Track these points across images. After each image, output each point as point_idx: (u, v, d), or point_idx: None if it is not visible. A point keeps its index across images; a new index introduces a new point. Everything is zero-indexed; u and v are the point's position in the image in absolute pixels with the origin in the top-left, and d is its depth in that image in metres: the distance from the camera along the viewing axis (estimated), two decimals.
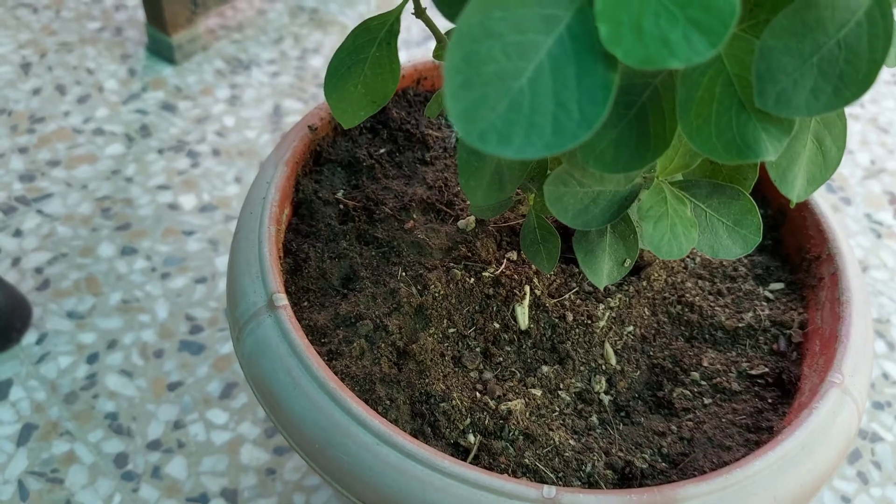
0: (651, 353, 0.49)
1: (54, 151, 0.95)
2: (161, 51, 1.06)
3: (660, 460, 0.44)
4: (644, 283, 0.51)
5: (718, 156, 0.28)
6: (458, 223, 0.52)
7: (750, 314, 0.50)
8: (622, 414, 0.47)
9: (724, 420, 0.46)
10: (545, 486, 0.37)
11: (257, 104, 1.02)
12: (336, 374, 0.44)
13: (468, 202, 0.52)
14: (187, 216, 0.89)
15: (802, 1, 0.28)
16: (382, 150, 0.55)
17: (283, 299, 0.43)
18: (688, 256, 0.53)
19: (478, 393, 0.45)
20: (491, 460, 0.42)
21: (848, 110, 1.11)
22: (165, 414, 0.73)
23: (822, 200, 0.52)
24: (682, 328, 0.50)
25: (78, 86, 1.03)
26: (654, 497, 0.37)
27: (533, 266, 0.50)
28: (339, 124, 0.55)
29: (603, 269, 0.40)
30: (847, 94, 0.27)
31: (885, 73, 1.17)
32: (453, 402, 0.44)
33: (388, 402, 0.43)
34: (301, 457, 0.41)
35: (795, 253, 0.53)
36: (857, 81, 0.27)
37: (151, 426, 0.73)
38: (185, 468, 0.70)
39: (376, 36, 0.36)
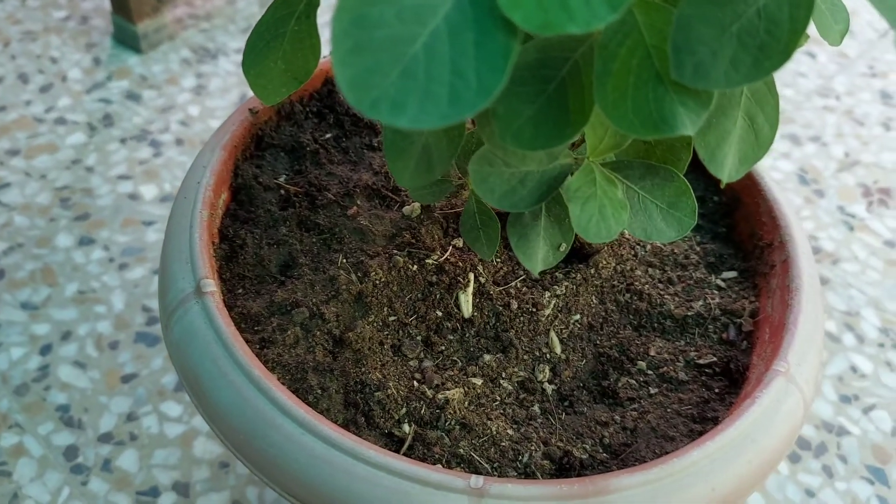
0: (597, 342, 0.48)
1: (14, 140, 0.93)
2: (127, 40, 1.04)
3: (601, 451, 0.43)
4: (592, 271, 0.50)
5: (635, 130, 0.27)
6: (403, 209, 0.50)
7: (700, 303, 0.49)
8: (565, 404, 0.46)
9: (669, 410, 0.44)
10: (473, 477, 0.36)
11: (223, 93, 1.00)
12: (267, 362, 0.42)
13: None
14: (147, 206, 0.87)
15: None
16: (328, 135, 0.54)
17: (211, 285, 0.42)
18: (637, 244, 0.51)
19: (415, 382, 0.44)
20: (425, 450, 0.41)
21: (823, 102, 1.10)
22: (118, 406, 0.72)
23: (777, 186, 0.51)
24: (631, 317, 0.49)
25: (41, 75, 1.01)
26: (586, 487, 0.36)
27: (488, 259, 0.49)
28: (281, 108, 0.53)
29: (537, 254, 0.38)
30: (767, 65, 0.26)
31: (862, 66, 1.16)
32: (389, 391, 0.43)
33: (319, 391, 0.42)
34: (229, 449, 0.40)
35: (748, 240, 0.52)
36: (778, 52, 0.26)
37: (103, 418, 0.71)
38: (136, 461, 0.69)
39: (295, 10, 0.35)
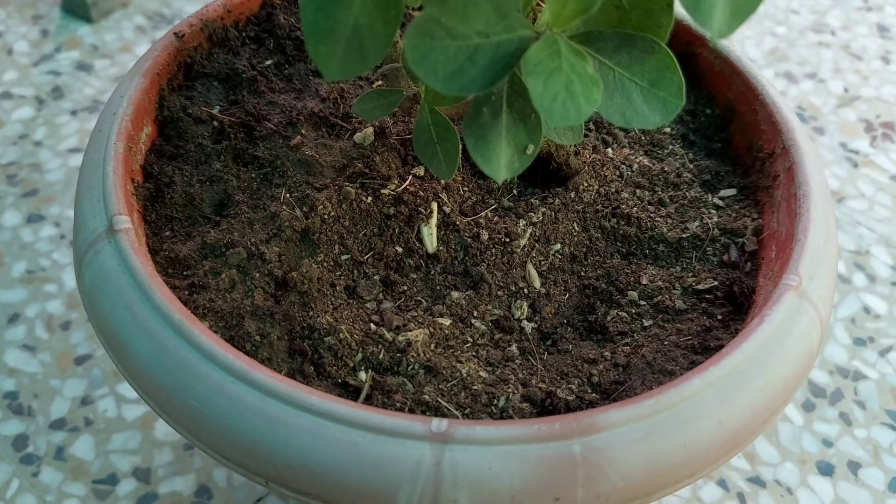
0: (582, 274, 0.42)
1: None
2: (76, 9, 0.98)
3: (589, 390, 0.37)
4: (572, 195, 0.44)
5: None
6: (355, 137, 0.44)
7: (696, 223, 0.43)
8: (547, 342, 0.40)
9: (666, 343, 0.39)
10: (434, 420, 0.30)
11: None
12: (197, 309, 0.36)
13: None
14: None
15: None
16: (269, 62, 0.48)
17: (125, 222, 0.36)
18: (623, 163, 0.45)
19: (372, 325, 0.38)
20: (385, 399, 0.35)
21: (817, 38, 1.04)
22: (71, 390, 0.66)
23: (775, 90, 0.45)
24: (618, 244, 0.43)
25: None
26: (569, 425, 0.30)
27: (442, 181, 0.43)
28: (213, 33, 0.47)
29: (499, 158, 0.32)
30: None
31: (856, 0, 1.10)
32: (341, 335, 0.37)
33: (258, 338, 0.36)
34: (153, 409, 0.34)
35: (746, 153, 0.46)
36: None
37: (55, 404, 0.65)
38: (92, 447, 0.63)
39: None
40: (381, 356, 0.37)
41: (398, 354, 0.37)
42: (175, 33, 0.45)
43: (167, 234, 0.40)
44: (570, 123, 0.28)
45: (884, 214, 0.84)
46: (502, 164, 0.33)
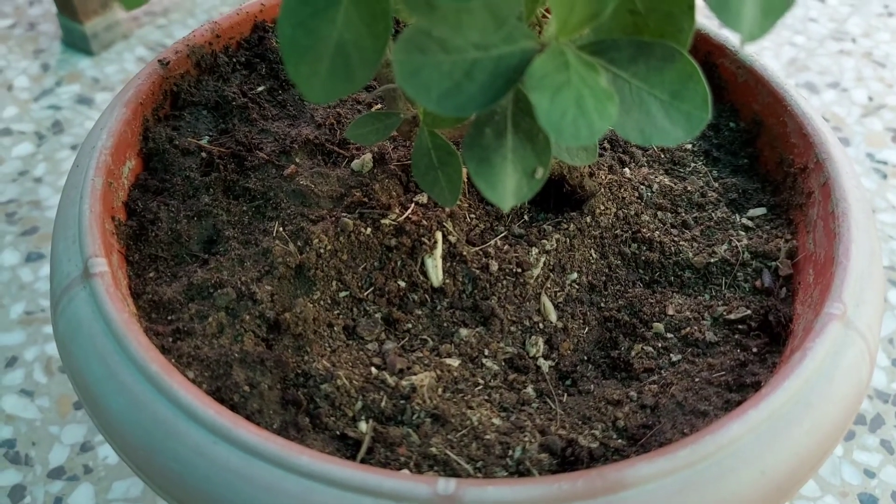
0: (602, 305, 0.39)
1: None
2: (76, 42, 0.97)
3: (614, 436, 0.33)
4: (588, 220, 0.40)
5: None
6: (353, 164, 0.41)
7: (724, 247, 0.40)
8: (567, 382, 0.37)
9: (697, 380, 0.35)
10: (441, 480, 0.27)
11: None
12: (180, 357, 0.33)
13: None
14: None
15: None
16: (261, 88, 0.45)
17: (100, 265, 0.33)
18: (642, 184, 0.42)
19: (374, 368, 0.35)
20: (388, 452, 0.32)
21: (838, 46, 1.01)
22: (70, 436, 0.63)
23: (805, 101, 0.42)
24: (640, 271, 0.40)
25: None
26: (594, 482, 0.27)
27: (447, 208, 0.40)
28: (201, 59, 0.45)
29: (505, 183, 0.29)
30: None
31: (877, 6, 1.07)
32: (339, 382, 0.34)
33: (247, 388, 0.33)
34: (133, 471, 0.31)
35: (776, 168, 0.42)
36: None
37: (54, 451, 0.62)
38: (92, 497, 0.60)
39: None
40: (383, 404, 0.33)
41: (402, 401, 0.33)
42: (160, 61, 0.43)
43: (151, 275, 0.37)
44: (582, 143, 0.25)
45: None
46: (508, 190, 0.29)
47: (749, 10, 0.23)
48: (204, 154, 0.41)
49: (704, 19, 0.47)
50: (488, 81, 0.26)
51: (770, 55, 0.99)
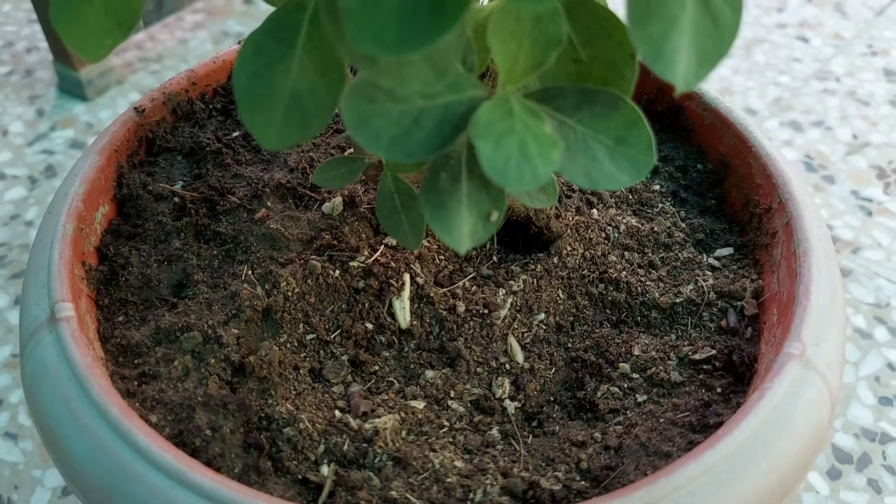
0: (569, 345, 0.39)
1: None
2: (71, 88, 0.98)
3: (577, 478, 0.33)
4: (555, 260, 0.41)
5: None
6: (323, 207, 0.42)
7: (690, 287, 0.40)
8: (532, 423, 0.37)
9: (662, 420, 0.35)
10: None
11: None
12: (145, 401, 0.34)
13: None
14: None
15: None
16: (236, 134, 0.46)
17: (67, 309, 0.33)
18: (609, 225, 0.43)
19: (338, 411, 0.35)
20: (349, 497, 0.32)
21: (822, 85, 1.02)
22: (53, 480, 0.63)
23: (770, 142, 0.42)
24: (607, 311, 0.40)
25: None
26: None
27: (415, 250, 0.40)
28: (177, 106, 0.46)
29: (461, 227, 0.30)
30: None
31: (860, 46, 1.08)
32: (302, 425, 0.34)
33: (209, 431, 0.33)
34: None
35: (743, 209, 0.43)
36: None
37: (36, 495, 0.62)
38: None
39: None
40: (345, 447, 0.34)
41: (364, 444, 0.34)
42: (135, 108, 0.44)
43: (120, 318, 0.38)
44: (526, 187, 0.25)
45: None
46: (464, 233, 0.30)
47: (683, 58, 0.24)
48: (177, 199, 0.42)
49: None
50: (436, 128, 0.26)
51: (755, 95, 1.00)
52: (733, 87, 1.01)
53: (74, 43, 0.28)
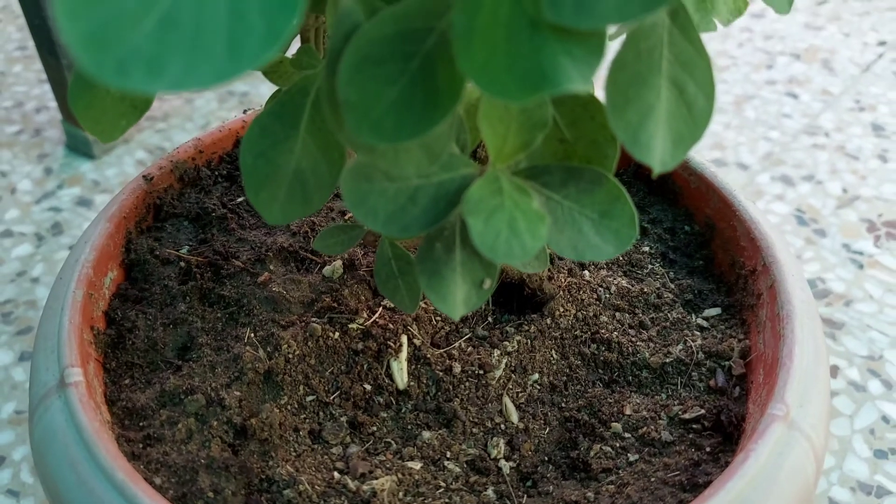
0: (562, 405, 0.40)
1: None
2: (79, 147, 1.01)
3: None
4: (548, 321, 0.42)
5: (511, 94, 0.21)
6: (324, 270, 0.44)
7: (679, 347, 0.41)
8: (527, 483, 0.38)
9: (653, 479, 0.36)
10: None
11: None
12: (149, 463, 0.35)
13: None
14: None
15: None
16: (240, 199, 0.48)
17: (76, 374, 0.35)
18: (600, 286, 0.44)
19: (336, 473, 0.36)
20: None
21: (812, 140, 1.04)
22: None
23: (753, 206, 0.44)
24: (600, 371, 0.41)
25: None
26: None
27: (411, 313, 0.42)
28: (184, 174, 0.48)
29: (455, 295, 0.31)
30: None
31: (848, 101, 1.11)
32: (301, 487, 0.35)
33: (211, 494, 0.34)
34: None
35: (729, 270, 0.44)
36: None
37: None
38: None
39: None
40: None
41: None
42: (144, 176, 0.45)
43: (126, 381, 0.39)
44: (515, 261, 0.27)
45: (895, 316, 0.81)
46: (458, 300, 0.31)
47: (659, 143, 0.25)
48: (183, 263, 0.44)
49: None
50: (431, 205, 0.28)
51: (746, 150, 1.03)
52: (725, 143, 1.04)
53: (91, 126, 0.30)
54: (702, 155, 1.01)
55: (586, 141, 0.29)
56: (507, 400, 0.40)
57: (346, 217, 0.47)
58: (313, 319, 0.41)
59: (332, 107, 0.25)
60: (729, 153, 1.02)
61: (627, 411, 0.39)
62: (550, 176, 0.29)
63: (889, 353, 0.77)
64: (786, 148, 1.03)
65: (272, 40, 0.17)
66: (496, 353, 0.41)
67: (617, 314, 0.43)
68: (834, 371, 0.77)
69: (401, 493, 0.35)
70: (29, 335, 0.79)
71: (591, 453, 0.38)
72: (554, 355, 0.41)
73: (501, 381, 0.40)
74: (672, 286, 0.45)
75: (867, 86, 1.15)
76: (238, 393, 0.38)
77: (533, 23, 0.21)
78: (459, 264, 0.31)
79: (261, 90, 1.13)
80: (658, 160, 0.25)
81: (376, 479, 0.35)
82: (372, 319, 0.41)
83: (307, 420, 0.38)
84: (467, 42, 0.21)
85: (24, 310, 0.82)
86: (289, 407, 0.38)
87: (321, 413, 0.39)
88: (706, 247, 0.46)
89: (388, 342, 0.40)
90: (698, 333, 0.42)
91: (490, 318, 0.43)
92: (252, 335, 0.40)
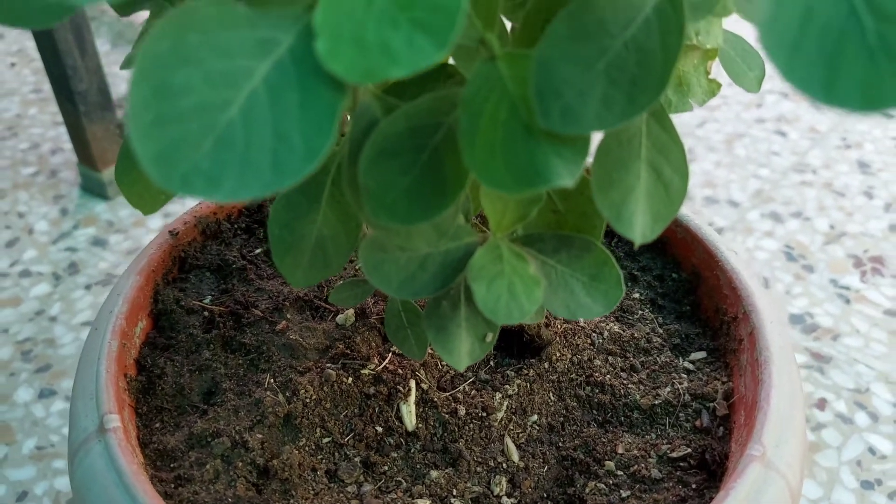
0: (560, 444, 0.43)
1: None
2: (93, 188, 1.05)
3: None
4: (546, 366, 0.45)
5: (508, 188, 0.24)
6: (337, 318, 0.47)
7: (668, 389, 0.44)
8: None
9: None
10: None
11: None
12: (182, 502, 0.38)
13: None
14: None
15: (578, 4, 0.24)
16: (258, 251, 0.51)
17: (114, 420, 0.38)
18: (594, 331, 0.47)
19: None
20: None
21: (800, 178, 1.08)
22: None
23: (734, 256, 0.48)
24: (594, 412, 0.44)
25: (7, 230, 1.01)
26: None
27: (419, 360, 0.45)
28: (206, 227, 0.51)
29: (460, 348, 0.35)
30: (642, 100, 0.23)
31: (835, 139, 1.15)
32: None
33: None
34: None
35: (714, 316, 0.48)
36: (652, 84, 0.23)
37: None
38: None
39: None
40: None
41: None
42: (170, 231, 0.49)
43: (157, 425, 0.42)
44: (513, 321, 0.30)
45: (881, 350, 0.84)
46: (463, 353, 0.35)
47: (640, 219, 0.29)
48: (206, 313, 0.47)
49: None
50: (439, 271, 0.31)
51: (737, 187, 1.06)
52: (716, 181, 1.07)
53: (134, 200, 0.33)
54: (694, 192, 1.05)
55: (577, 213, 0.32)
56: (508, 440, 0.43)
57: (357, 267, 0.51)
58: (328, 365, 0.44)
59: (353, 191, 0.28)
60: (720, 190, 1.06)
61: (620, 450, 0.42)
62: (545, 243, 0.32)
63: (875, 386, 0.80)
64: (775, 185, 1.06)
65: (311, 158, 0.21)
66: (498, 395, 0.44)
67: (610, 358, 0.46)
68: (822, 404, 0.80)
69: None
70: (48, 373, 0.82)
71: (587, 490, 0.41)
72: (551, 397, 0.45)
73: (503, 422, 0.43)
74: (661, 331, 0.48)
75: (854, 124, 1.19)
76: (260, 435, 0.41)
77: (527, 127, 0.25)
78: (464, 320, 0.35)
79: None
80: (639, 234, 0.29)
81: None
82: (382, 365, 0.44)
83: (324, 460, 0.41)
84: (471, 141, 0.25)
85: (43, 348, 0.85)
86: (307, 448, 0.41)
87: (336, 454, 0.42)
88: (693, 293, 0.50)
89: (398, 386, 0.43)
90: (685, 376, 0.45)
91: (492, 363, 0.47)
92: (272, 380, 0.43)
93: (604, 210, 0.29)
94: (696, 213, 1.01)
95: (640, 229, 0.29)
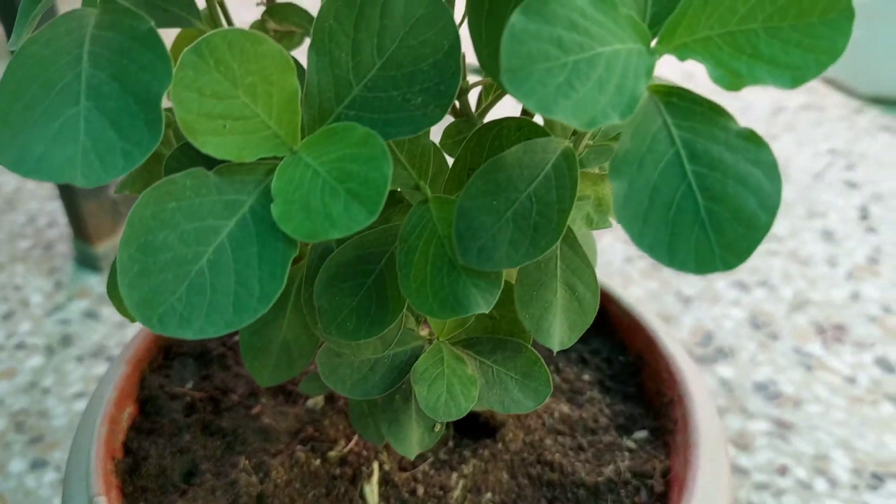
0: None
1: None
2: (88, 261, 1.09)
3: None
4: (500, 446, 0.49)
5: (436, 313, 0.29)
6: (308, 403, 0.51)
7: (610, 467, 0.48)
8: None
9: None
10: None
11: None
12: None
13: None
14: None
15: (491, 164, 0.29)
16: (236, 338, 0.56)
17: (102, 502, 0.42)
18: (544, 412, 0.52)
19: None
20: None
21: (766, 246, 1.13)
22: None
23: (672, 342, 0.52)
24: (544, 489, 0.48)
25: (3, 303, 1.05)
26: None
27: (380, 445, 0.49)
28: None
29: (411, 438, 0.39)
30: (543, 243, 0.28)
31: (800, 209, 1.21)
32: None
33: None
34: None
35: (656, 397, 0.52)
36: (551, 230, 0.28)
37: None
38: None
39: None
40: None
41: None
42: None
43: None
44: (452, 419, 0.35)
45: (840, 417, 0.88)
46: (413, 443, 0.39)
47: (558, 329, 0.33)
48: (188, 398, 0.51)
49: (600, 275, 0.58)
50: (387, 373, 0.36)
51: None
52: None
53: (123, 311, 0.38)
54: None
55: (509, 319, 0.37)
56: None
57: None
58: (298, 447, 0.48)
59: (309, 309, 0.33)
60: None
61: None
62: (482, 345, 0.37)
63: (834, 453, 0.84)
64: None
65: (266, 300, 0.26)
66: (454, 475, 0.48)
67: (559, 438, 0.50)
68: (783, 470, 0.83)
69: None
70: (40, 444, 0.85)
71: None
72: (504, 476, 0.49)
73: (459, 500, 0.47)
74: (608, 411, 0.52)
75: (819, 193, 1.25)
76: None
77: (451, 262, 0.29)
78: (415, 412, 0.39)
79: None
80: (557, 343, 0.33)
81: None
82: (348, 447, 0.48)
83: None
84: (406, 273, 0.30)
85: (36, 419, 0.89)
86: None
87: None
88: (637, 375, 0.54)
89: (362, 467, 0.47)
90: (627, 455, 0.49)
91: (451, 443, 0.51)
92: (246, 462, 0.47)
93: (526, 323, 0.33)
94: (666, 282, 1.06)
95: (559, 338, 0.33)
